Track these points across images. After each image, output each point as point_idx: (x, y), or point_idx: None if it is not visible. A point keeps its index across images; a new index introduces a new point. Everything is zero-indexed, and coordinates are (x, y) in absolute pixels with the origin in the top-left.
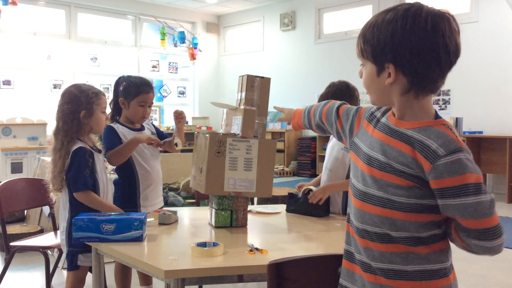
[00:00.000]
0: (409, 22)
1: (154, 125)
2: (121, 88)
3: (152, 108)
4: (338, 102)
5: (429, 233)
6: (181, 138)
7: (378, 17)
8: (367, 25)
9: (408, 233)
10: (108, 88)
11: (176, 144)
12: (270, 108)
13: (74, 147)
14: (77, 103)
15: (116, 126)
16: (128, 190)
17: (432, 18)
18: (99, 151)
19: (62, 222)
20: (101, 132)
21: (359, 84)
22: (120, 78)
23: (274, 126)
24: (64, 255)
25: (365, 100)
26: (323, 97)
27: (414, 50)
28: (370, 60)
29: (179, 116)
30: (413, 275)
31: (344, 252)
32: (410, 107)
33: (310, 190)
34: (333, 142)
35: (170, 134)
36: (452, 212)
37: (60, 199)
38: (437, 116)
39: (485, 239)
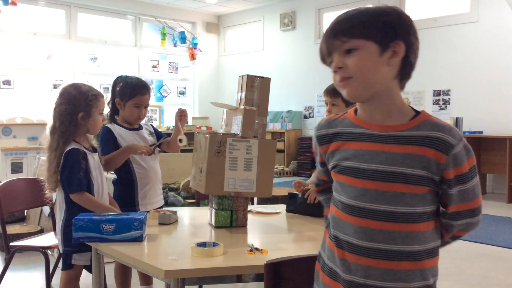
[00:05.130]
0: (404, 11)
1: (152, 126)
2: (117, 88)
3: (152, 108)
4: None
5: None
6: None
7: (364, 7)
8: (358, 11)
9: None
10: (108, 88)
11: (180, 140)
12: (270, 108)
13: (67, 149)
14: (76, 105)
15: (113, 126)
16: (126, 189)
17: None
18: (95, 151)
19: (58, 222)
20: (97, 133)
21: None
22: (117, 78)
23: (274, 126)
24: None
25: None
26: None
27: (415, 35)
28: (371, 40)
29: (181, 114)
30: None
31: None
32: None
33: (309, 189)
34: None
35: (169, 135)
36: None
37: (57, 199)
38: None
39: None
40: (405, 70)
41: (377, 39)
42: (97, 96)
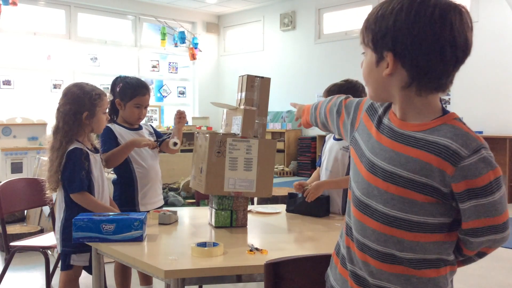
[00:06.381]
0: (415, 9)
1: (152, 126)
2: (117, 89)
3: (152, 108)
4: (342, 96)
5: (439, 256)
6: (178, 138)
7: (384, 4)
8: (373, 12)
9: (413, 254)
10: (108, 88)
11: (174, 144)
12: (270, 108)
13: (70, 148)
14: (80, 105)
15: (113, 126)
16: (127, 189)
17: (441, 7)
18: (97, 151)
19: (57, 222)
20: (101, 132)
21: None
22: (116, 78)
23: (274, 126)
24: None
25: None
26: (337, 89)
27: (416, 39)
28: (370, 47)
29: (180, 116)
30: None
31: (350, 274)
32: (412, 104)
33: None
34: (331, 142)
35: (169, 135)
36: (478, 213)
37: (57, 199)
38: (445, 111)
39: (501, 232)
40: (419, 80)
41: (373, 48)
42: (100, 95)
